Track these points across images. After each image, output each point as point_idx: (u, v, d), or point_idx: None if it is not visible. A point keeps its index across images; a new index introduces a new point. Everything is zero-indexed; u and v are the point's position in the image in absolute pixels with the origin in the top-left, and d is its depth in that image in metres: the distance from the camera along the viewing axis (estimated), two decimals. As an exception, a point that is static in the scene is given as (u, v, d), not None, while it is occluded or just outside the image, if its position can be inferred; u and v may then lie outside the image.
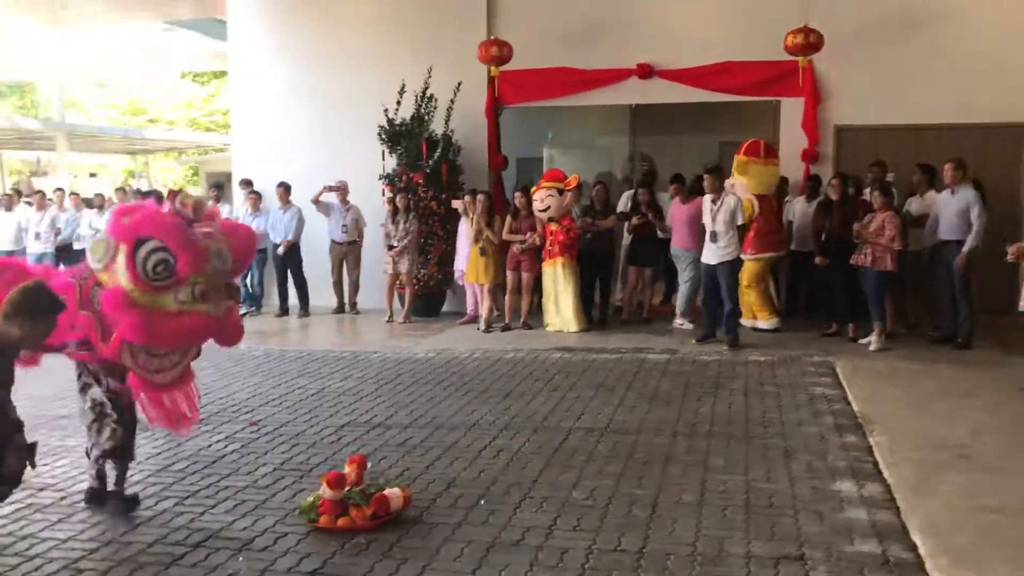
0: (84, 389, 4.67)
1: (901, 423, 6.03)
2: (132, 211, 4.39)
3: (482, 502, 4.68)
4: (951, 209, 8.52)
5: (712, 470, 5.16)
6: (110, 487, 4.74)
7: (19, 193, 15.13)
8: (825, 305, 9.47)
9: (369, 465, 4.81)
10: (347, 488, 4.41)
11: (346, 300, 11.60)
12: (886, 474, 5.01)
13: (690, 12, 11.15)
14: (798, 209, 9.97)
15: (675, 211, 9.94)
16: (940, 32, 10.34)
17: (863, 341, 8.72)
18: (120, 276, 4.18)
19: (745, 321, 9.47)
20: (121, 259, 4.19)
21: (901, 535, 4.17)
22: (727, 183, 9.43)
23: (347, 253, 11.48)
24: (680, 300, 10.05)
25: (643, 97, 11.49)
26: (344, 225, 11.39)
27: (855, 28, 10.39)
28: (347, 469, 4.59)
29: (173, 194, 4.47)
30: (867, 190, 9.25)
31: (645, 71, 11.05)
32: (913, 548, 4.01)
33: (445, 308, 11.40)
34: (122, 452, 4.68)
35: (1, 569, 3.93)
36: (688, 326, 9.73)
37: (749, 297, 9.50)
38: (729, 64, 10.78)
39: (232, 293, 4.51)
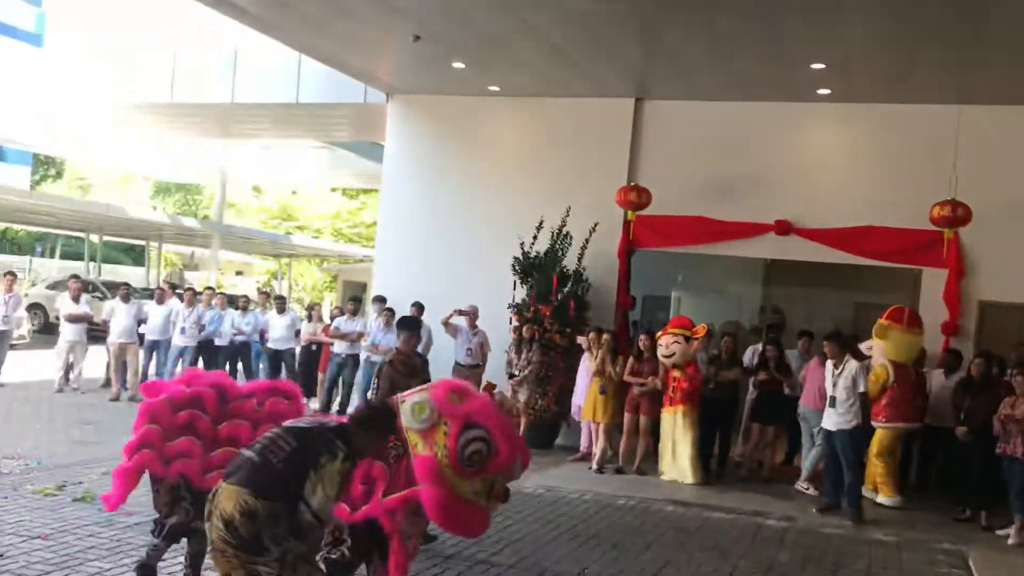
0: None
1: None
2: (462, 391, 4.56)
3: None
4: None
5: (828, 659, 4.87)
6: None
7: (173, 287, 16.12)
8: (958, 488, 8.98)
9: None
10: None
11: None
12: None
13: (832, 174, 11.17)
14: (935, 383, 9.57)
15: (811, 371, 9.55)
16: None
17: (1000, 532, 8.15)
18: (439, 448, 4.37)
19: (866, 491, 9.03)
20: (443, 434, 4.38)
21: None
22: (864, 346, 9.22)
23: (469, 376, 11.62)
24: (806, 464, 9.65)
25: (779, 252, 11.45)
26: (469, 348, 11.61)
27: (1004, 203, 10.15)
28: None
29: (490, 387, 4.79)
30: (1011, 371, 8.83)
31: (783, 228, 11.05)
32: None
33: (559, 442, 11.34)
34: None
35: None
36: (813, 492, 9.30)
37: (875, 468, 9.10)
38: (871, 228, 10.67)
39: (506, 497, 4.63)
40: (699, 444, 9.70)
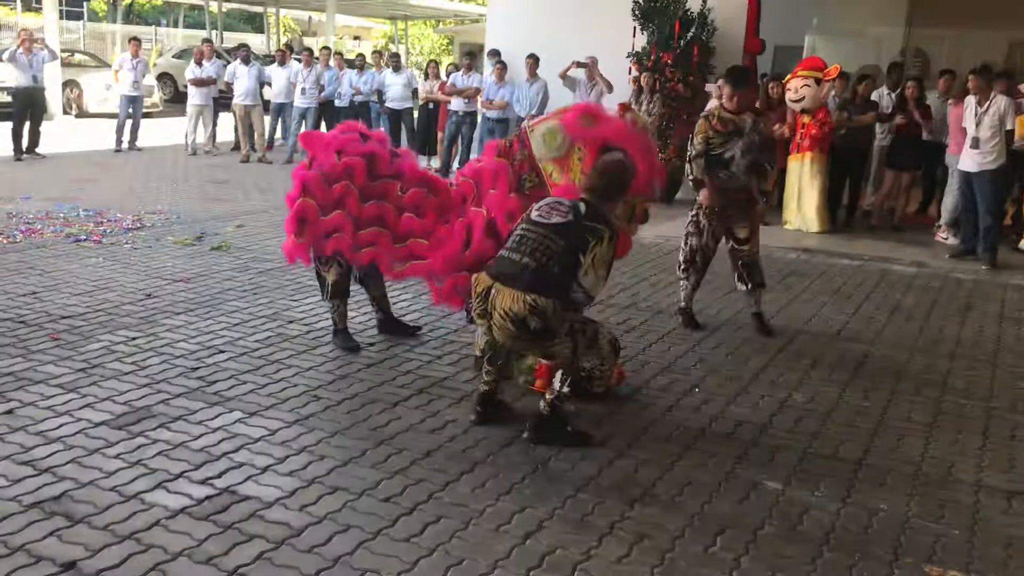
0: None
1: None
2: (594, 114, 4.39)
3: (696, 390, 4.64)
4: None
5: (950, 391, 4.81)
6: None
7: (290, 49, 16.11)
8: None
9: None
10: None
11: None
12: None
13: None
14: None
15: (957, 114, 8.70)
16: None
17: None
18: (575, 175, 4.30)
19: None
20: (578, 159, 4.31)
21: None
22: None
23: (587, 129, 11.42)
24: (946, 211, 9.17)
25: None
26: (588, 100, 11.30)
27: None
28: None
29: (624, 107, 4.61)
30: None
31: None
32: None
33: (679, 196, 11.14)
34: None
35: (251, 387, 4.37)
36: (954, 240, 8.90)
37: None
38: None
39: (646, 218, 4.52)
40: (827, 192, 9.35)
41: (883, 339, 5.75)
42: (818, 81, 9.14)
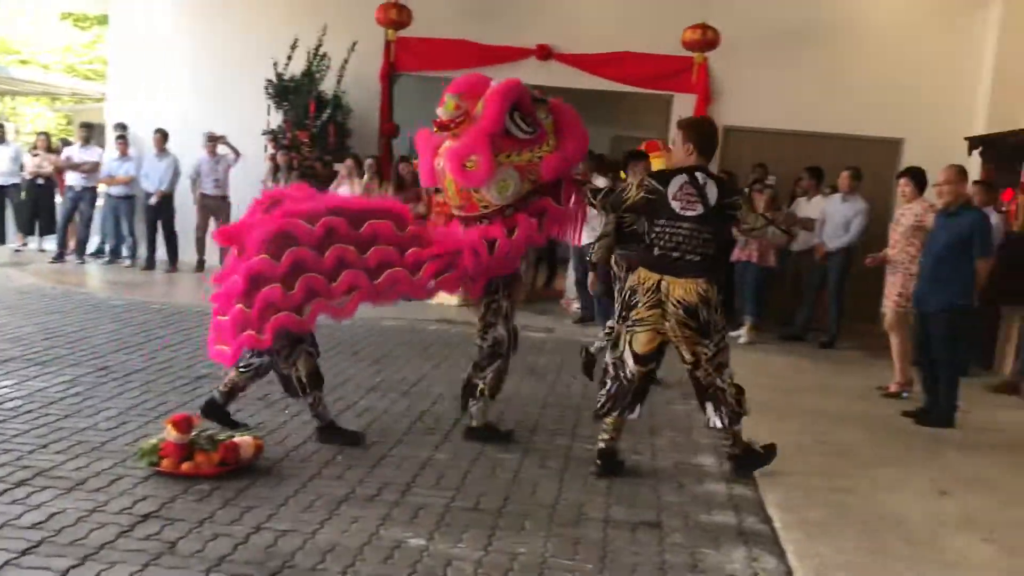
0: (487, 329, 4.91)
1: (766, 409, 6.10)
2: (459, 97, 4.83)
3: (339, 457, 4.48)
4: (840, 215, 8.77)
5: (579, 439, 5.10)
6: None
7: None
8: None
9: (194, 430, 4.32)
10: (194, 432, 4.13)
11: (205, 257, 11.04)
12: (747, 453, 5.03)
13: (592, -5, 11.10)
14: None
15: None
16: (834, 45, 10.55)
17: (733, 334, 8.83)
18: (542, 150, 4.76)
19: None
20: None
21: (758, 508, 4.19)
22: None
23: (219, 208, 10.99)
24: (569, 288, 10.10)
25: (541, 79, 11.27)
26: (216, 179, 10.95)
27: (753, 30, 10.49)
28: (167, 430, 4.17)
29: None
30: (746, 190, 9.41)
31: (544, 52, 10.97)
32: (768, 521, 4.03)
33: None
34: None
35: None
36: (577, 307, 9.72)
37: None
38: (626, 54, 10.79)
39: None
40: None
41: (519, 397, 6.01)
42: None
